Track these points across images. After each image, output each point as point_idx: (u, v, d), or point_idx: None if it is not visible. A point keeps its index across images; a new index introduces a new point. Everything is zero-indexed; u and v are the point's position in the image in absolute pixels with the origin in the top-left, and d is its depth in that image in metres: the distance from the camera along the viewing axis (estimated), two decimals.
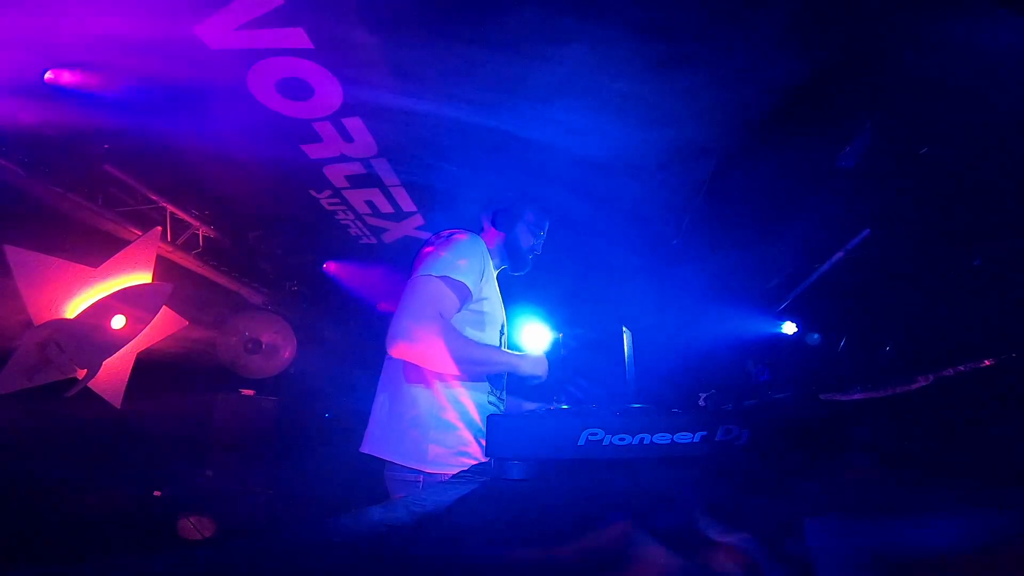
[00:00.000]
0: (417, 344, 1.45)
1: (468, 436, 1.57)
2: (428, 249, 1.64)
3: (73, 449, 3.10)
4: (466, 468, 1.53)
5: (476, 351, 1.56)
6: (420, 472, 1.52)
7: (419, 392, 1.58)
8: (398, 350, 1.46)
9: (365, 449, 1.62)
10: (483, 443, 1.55)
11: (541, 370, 1.66)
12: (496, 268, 1.88)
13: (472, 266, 1.58)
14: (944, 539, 0.49)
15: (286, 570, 0.51)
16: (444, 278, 1.52)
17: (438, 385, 1.58)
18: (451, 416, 1.57)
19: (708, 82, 2.31)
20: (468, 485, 1.01)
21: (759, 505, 0.64)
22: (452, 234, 1.67)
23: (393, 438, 1.58)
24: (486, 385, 1.66)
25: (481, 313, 1.66)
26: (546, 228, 1.94)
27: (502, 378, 1.77)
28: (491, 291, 1.71)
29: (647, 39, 2.09)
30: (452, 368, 1.52)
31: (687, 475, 0.87)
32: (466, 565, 0.49)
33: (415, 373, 1.60)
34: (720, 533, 0.53)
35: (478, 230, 1.87)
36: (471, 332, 1.64)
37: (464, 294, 1.56)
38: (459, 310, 1.58)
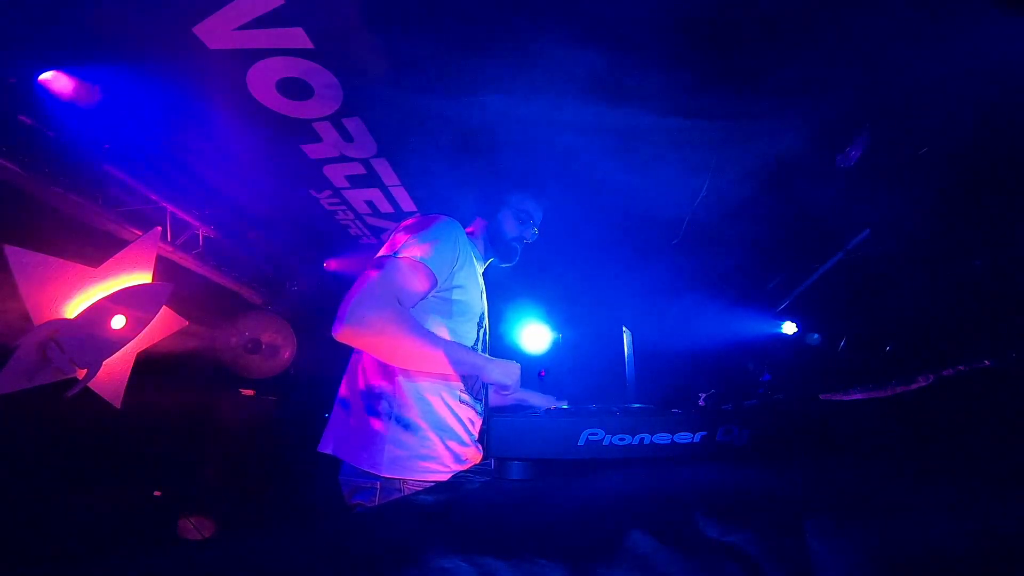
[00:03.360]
0: (365, 330, 1.28)
1: (433, 438, 1.42)
2: (398, 229, 1.50)
3: (73, 449, 3.10)
4: (431, 473, 1.39)
5: (433, 345, 1.34)
6: (376, 478, 1.36)
7: (379, 387, 1.44)
8: (343, 334, 1.29)
9: (322, 447, 1.49)
10: (453, 447, 1.45)
11: (512, 379, 1.46)
12: (483, 260, 1.76)
13: (443, 250, 1.43)
14: (944, 539, 0.49)
15: (285, 569, 0.51)
16: (408, 260, 1.37)
17: (401, 380, 1.42)
18: (413, 414, 1.41)
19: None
20: (467, 485, 1.00)
21: (759, 505, 0.64)
22: (426, 216, 1.53)
23: (349, 437, 1.43)
24: (456, 383, 1.50)
25: (451, 302, 1.49)
26: (538, 218, 1.78)
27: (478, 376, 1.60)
28: (467, 280, 1.55)
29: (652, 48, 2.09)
30: (402, 361, 1.38)
31: (687, 475, 0.87)
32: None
33: (377, 366, 1.45)
34: (720, 533, 0.53)
35: (467, 221, 1.74)
36: (436, 320, 1.48)
37: (429, 279, 1.40)
38: (422, 297, 1.42)
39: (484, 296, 1.70)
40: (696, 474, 0.87)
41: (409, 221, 1.53)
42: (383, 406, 1.43)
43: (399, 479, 1.37)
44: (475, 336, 1.60)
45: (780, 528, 0.51)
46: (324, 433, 1.53)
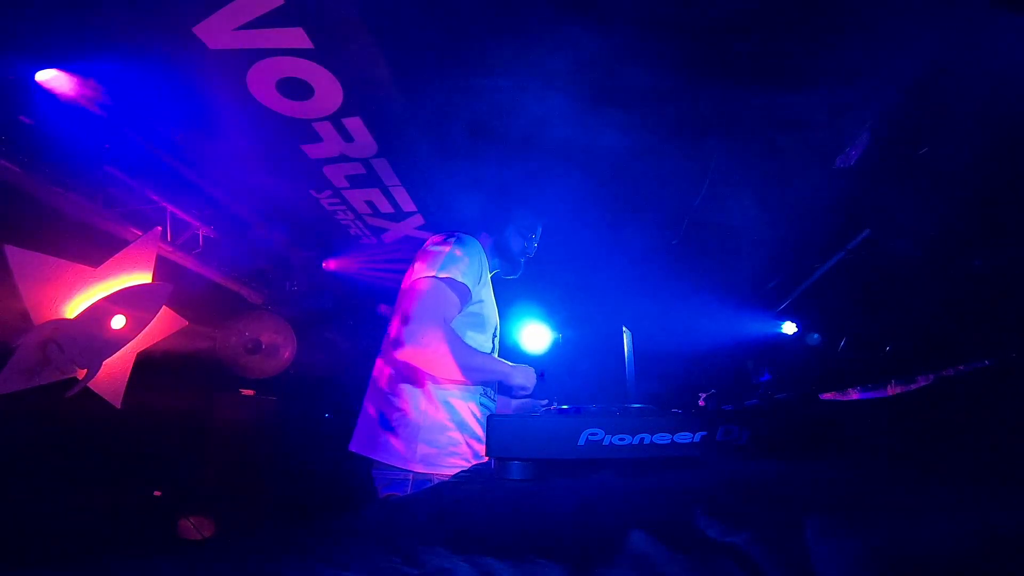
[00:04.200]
0: (425, 350, 1.47)
1: (459, 437, 1.58)
2: (430, 247, 1.64)
3: (73, 449, 3.10)
4: (456, 468, 1.54)
5: (476, 359, 1.56)
6: (409, 472, 1.52)
7: (410, 392, 1.59)
8: (406, 354, 1.48)
9: (354, 447, 1.65)
10: (473, 444, 1.62)
11: (532, 381, 1.68)
12: (490, 270, 1.87)
13: (473, 267, 1.60)
14: (944, 539, 0.49)
15: (284, 569, 0.51)
16: (447, 279, 1.53)
17: (430, 386, 1.59)
18: (441, 417, 1.57)
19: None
20: (467, 485, 1.00)
21: (759, 505, 0.64)
22: (454, 234, 1.68)
23: (382, 437, 1.58)
24: (477, 388, 1.67)
25: (473, 315, 1.66)
26: (539, 232, 1.93)
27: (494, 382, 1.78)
28: (487, 294, 1.73)
29: (650, 40, 2.09)
30: (454, 374, 1.53)
31: (687, 475, 0.87)
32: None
33: (407, 373, 1.60)
34: (720, 533, 0.53)
35: (474, 232, 1.86)
36: (472, 335, 1.65)
37: (465, 296, 1.57)
38: (461, 312, 1.59)
39: (496, 309, 1.84)
40: (696, 474, 0.87)
41: (436, 239, 1.67)
42: (413, 409, 1.58)
43: (430, 472, 1.52)
44: (491, 346, 1.75)
45: (780, 528, 0.51)
46: (354, 435, 1.68)
